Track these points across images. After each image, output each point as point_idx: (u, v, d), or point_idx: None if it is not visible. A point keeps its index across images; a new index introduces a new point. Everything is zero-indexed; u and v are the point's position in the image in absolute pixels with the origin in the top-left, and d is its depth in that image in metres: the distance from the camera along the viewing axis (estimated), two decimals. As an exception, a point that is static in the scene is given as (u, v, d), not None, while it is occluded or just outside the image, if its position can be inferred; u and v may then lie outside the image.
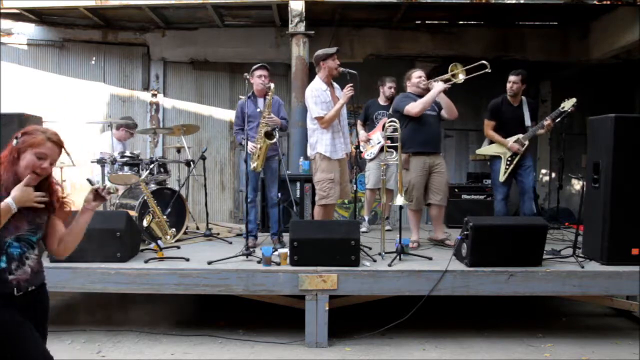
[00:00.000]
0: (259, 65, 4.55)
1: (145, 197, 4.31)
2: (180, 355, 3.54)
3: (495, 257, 3.82)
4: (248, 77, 4.37)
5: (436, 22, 7.60)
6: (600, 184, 4.01)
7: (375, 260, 4.01)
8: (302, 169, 5.73)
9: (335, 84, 4.43)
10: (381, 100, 5.60)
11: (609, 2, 6.01)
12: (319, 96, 4.25)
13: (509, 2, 6.09)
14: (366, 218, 5.81)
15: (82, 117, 6.89)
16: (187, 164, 5.36)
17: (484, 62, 4.34)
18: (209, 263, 3.87)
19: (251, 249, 4.12)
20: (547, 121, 4.67)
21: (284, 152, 7.69)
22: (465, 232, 3.90)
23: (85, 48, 7.66)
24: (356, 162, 4.66)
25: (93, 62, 7.74)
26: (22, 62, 7.47)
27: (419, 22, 7.54)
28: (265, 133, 4.32)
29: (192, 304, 4.69)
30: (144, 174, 4.60)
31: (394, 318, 3.76)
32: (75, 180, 7.48)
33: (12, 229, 1.89)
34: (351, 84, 4.11)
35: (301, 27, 5.84)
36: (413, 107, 4.40)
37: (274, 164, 4.70)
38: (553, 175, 8.48)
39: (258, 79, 4.51)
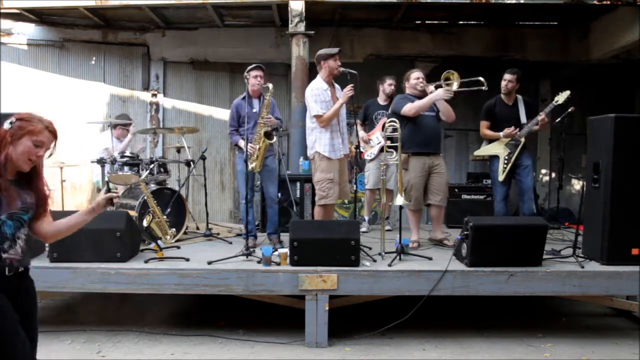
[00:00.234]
0: (254, 65, 4.54)
1: (145, 197, 4.31)
2: (180, 355, 3.54)
3: (495, 257, 3.82)
4: (248, 77, 4.37)
5: (436, 22, 7.60)
6: (600, 184, 4.01)
7: (375, 260, 4.01)
8: (302, 169, 5.74)
9: (336, 85, 4.43)
10: (381, 100, 5.60)
11: (609, 2, 6.01)
12: (320, 95, 4.25)
13: (509, 2, 6.09)
14: (366, 218, 5.81)
15: (82, 117, 6.90)
16: (187, 164, 5.36)
17: (480, 78, 4.32)
18: (209, 263, 3.87)
19: (251, 249, 4.12)
20: (541, 116, 4.67)
21: (284, 152, 7.70)
22: (465, 232, 3.91)
23: (85, 48, 7.66)
24: (356, 162, 4.66)
25: (93, 62, 7.74)
26: (22, 62, 7.47)
27: (419, 22, 7.54)
28: (265, 133, 4.33)
29: (192, 304, 4.69)
30: (144, 174, 4.61)
31: (394, 318, 3.76)
32: (75, 180, 7.51)
33: (6, 206, 1.90)
34: (351, 84, 4.12)
35: (301, 27, 5.84)
36: (409, 109, 4.41)
37: (272, 164, 4.71)
38: (553, 175, 8.48)
39: (254, 79, 4.50)
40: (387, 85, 5.52)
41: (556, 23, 7.53)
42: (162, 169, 5.11)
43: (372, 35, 7.55)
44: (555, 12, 7.09)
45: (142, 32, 7.67)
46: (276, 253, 4.00)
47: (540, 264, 3.89)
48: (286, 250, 3.98)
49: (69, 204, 7.05)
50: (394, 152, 4.28)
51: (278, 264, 3.88)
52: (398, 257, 4.02)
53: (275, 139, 4.41)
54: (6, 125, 1.93)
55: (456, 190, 6.20)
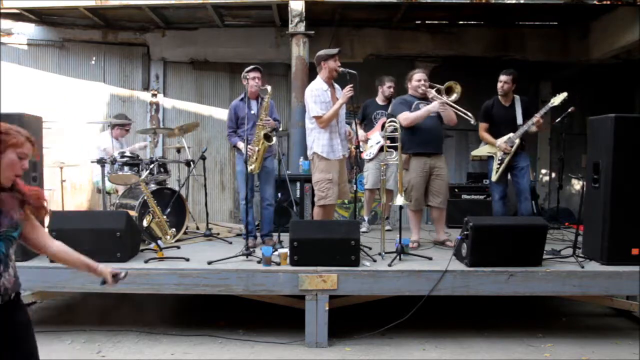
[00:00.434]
0: (252, 67, 4.54)
1: (145, 197, 4.31)
2: (180, 355, 3.54)
3: (495, 257, 3.82)
4: (247, 78, 4.36)
5: (436, 22, 7.60)
6: (600, 184, 4.01)
7: (375, 260, 4.01)
8: (302, 169, 5.74)
9: (336, 85, 4.43)
10: (379, 100, 5.60)
11: (609, 2, 6.01)
12: (319, 96, 4.25)
13: (509, 2, 6.09)
14: (366, 218, 5.81)
15: (82, 117, 6.90)
16: (187, 164, 5.36)
17: (470, 115, 4.42)
18: (209, 263, 3.87)
19: (251, 249, 4.12)
20: (536, 117, 4.67)
21: (284, 152, 7.70)
22: (465, 232, 3.91)
23: (85, 48, 7.66)
24: (356, 162, 4.66)
25: (93, 62, 7.74)
26: (22, 62, 7.48)
27: (419, 22, 7.54)
28: (264, 135, 4.33)
29: (192, 304, 4.69)
30: (144, 174, 4.60)
31: (394, 318, 3.76)
32: (75, 180, 7.51)
33: None
34: (351, 85, 4.11)
35: (301, 27, 5.85)
36: (404, 120, 4.42)
37: (270, 165, 4.70)
38: (553, 175, 8.48)
39: (252, 81, 4.50)
40: (387, 88, 5.51)
41: (556, 23, 7.54)
42: (162, 169, 5.11)
43: (372, 35, 7.55)
44: (555, 12, 7.09)
45: (142, 32, 7.68)
46: (276, 253, 4.00)
47: (540, 264, 3.89)
48: (286, 250, 3.98)
49: (69, 204, 7.05)
50: (394, 152, 4.28)
51: (278, 264, 3.88)
52: (398, 257, 4.02)
53: (274, 140, 4.41)
54: None
55: (456, 190, 6.21)
